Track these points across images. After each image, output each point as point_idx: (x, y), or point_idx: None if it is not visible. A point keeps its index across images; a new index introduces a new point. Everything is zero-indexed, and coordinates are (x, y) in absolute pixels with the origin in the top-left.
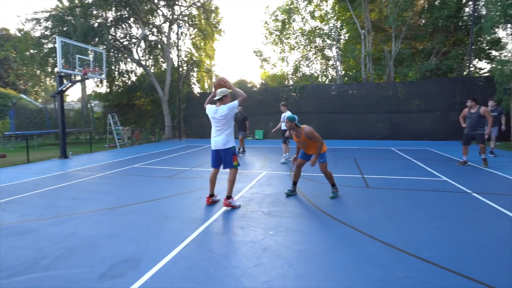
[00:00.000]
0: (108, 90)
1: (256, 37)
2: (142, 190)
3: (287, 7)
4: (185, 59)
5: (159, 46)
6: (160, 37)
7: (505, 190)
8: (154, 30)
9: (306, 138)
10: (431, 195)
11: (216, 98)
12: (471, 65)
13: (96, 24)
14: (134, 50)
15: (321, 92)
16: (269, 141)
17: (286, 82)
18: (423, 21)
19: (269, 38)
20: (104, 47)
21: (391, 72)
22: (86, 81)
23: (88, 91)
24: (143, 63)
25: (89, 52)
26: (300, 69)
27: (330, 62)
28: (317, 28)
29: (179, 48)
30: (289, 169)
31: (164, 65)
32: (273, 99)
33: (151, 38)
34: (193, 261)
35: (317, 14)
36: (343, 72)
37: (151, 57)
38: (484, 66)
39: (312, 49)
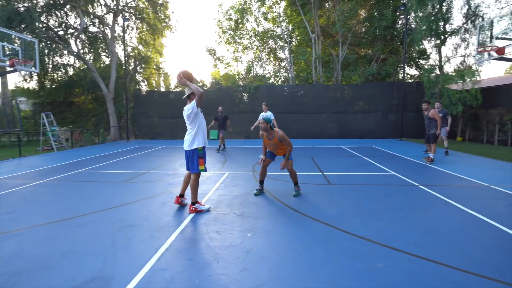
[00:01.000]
0: (39, 85)
1: (209, 36)
2: (95, 198)
3: (240, 7)
4: (132, 54)
5: (102, 38)
6: (102, 29)
7: (445, 182)
8: (96, 20)
9: (278, 141)
10: (386, 188)
11: (184, 96)
12: (405, 72)
13: (22, 9)
14: (72, 42)
15: (274, 92)
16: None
17: (241, 82)
18: (364, 30)
19: (223, 37)
20: (34, 35)
21: (338, 75)
22: (9, 74)
23: (11, 86)
24: (84, 56)
25: (15, 39)
26: (253, 70)
27: (282, 64)
28: (270, 30)
29: (126, 42)
30: (251, 169)
31: (108, 60)
32: (227, 98)
33: (92, 29)
34: (173, 273)
35: (269, 16)
36: (295, 73)
37: (92, 50)
38: (414, 72)
39: (264, 50)
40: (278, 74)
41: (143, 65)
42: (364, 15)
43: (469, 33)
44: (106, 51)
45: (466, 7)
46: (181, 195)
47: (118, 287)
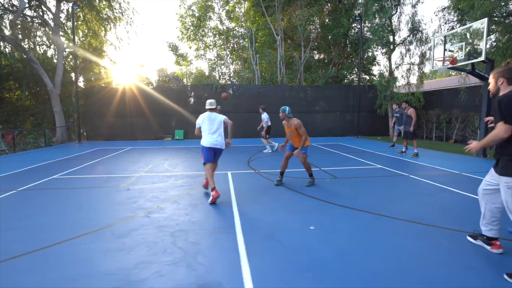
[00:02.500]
0: None
1: (172, 32)
2: (104, 205)
3: (203, 3)
4: (82, 46)
5: (43, 24)
6: (42, 13)
7: (425, 171)
8: (34, 2)
9: (294, 128)
10: (386, 179)
11: (212, 107)
12: (360, 76)
13: None
14: (4, 25)
15: (241, 91)
16: (191, 141)
17: (208, 80)
18: (322, 35)
19: (185, 33)
20: None
21: (301, 76)
22: None
23: None
24: (23, 44)
25: None
26: (218, 69)
27: (246, 64)
28: (233, 29)
29: (74, 31)
30: (246, 167)
31: (50, 51)
32: (194, 97)
33: (28, 13)
34: (275, 268)
35: (232, 15)
36: (260, 74)
37: (32, 37)
38: (365, 76)
39: (227, 49)
40: (241, 73)
41: (97, 59)
42: (326, 21)
43: (412, 44)
44: (48, 40)
45: (410, 22)
46: (214, 187)
47: None
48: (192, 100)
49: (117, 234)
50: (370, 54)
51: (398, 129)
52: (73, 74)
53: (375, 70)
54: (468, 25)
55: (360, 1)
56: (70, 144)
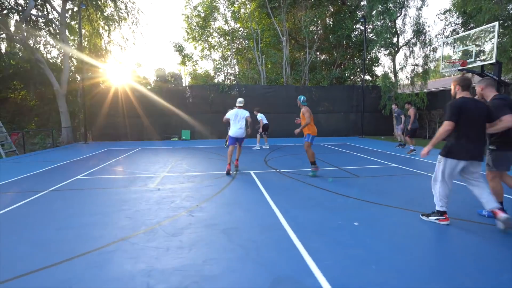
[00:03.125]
0: None
1: (177, 32)
2: (139, 206)
3: (209, 4)
4: (87, 46)
5: (49, 23)
6: (47, 13)
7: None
8: (40, 1)
9: (302, 114)
10: (408, 177)
11: (240, 105)
12: (364, 77)
13: None
14: (12, 25)
15: (248, 92)
16: (198, 141)
17: (213, 81)
18: (325, 36)
19: (191, 34)
20: None
21: (306, 77)
22: None
23: None
24: (33, 45)
25: None
26: (223, 69)
27: (250, 65)
28: (238, 30)
29: (81, 30)
30: (273, 168)
31: (55, 51)
32: (199, 97)
33: (33, 11)
34: (344, 262)
35: (238, 16)
36: (265, 74)
37: (40, 37)
38: (368, 77)
39: (231, 50)
40: (247, 74)
41: (102, 59)
42: (330, 22)
43: (416, 46)
44: (54, 40)
45: (415, 24)
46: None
47: (313, 286)
48: (198, 100)
49: (170, 232)
50: (373, 55)
51: (400, 129)
52: (77, 74)
53: (378, 71)
54: (478, 28)
55: (363, 3)
56: (76, 144)
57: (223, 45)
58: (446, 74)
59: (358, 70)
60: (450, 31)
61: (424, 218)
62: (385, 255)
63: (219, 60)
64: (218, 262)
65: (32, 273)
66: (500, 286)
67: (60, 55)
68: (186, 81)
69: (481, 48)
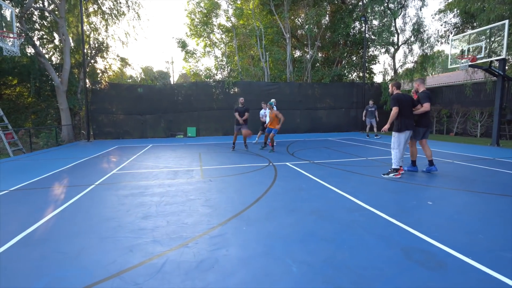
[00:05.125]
0: None
1: (181, 28)
2: (217, 196)
3: (211, 1)
4: (88, 40)
5: (50, 16)
6: (48, 5)
7: (455, 158)
8: None
9: (274, 115)
10: (440, 165)
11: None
12: (364, 74)
13: None
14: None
15: (252, 89)
16: (205, 138)
17: (217, 78)
18: (328, 35)
19: (193, 30)
20: None
21: (309, 74)
22: None
23: None
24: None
25: None
26: (227, 66)
27: (253, 61)
28: (241, 26)
29: (82, 23)
30: (305, 159)
31: (52, 45)
32: (203, 94)
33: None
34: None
35: (240, 12)
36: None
37: (42, 31)
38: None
39: (234, 46)
40: (249, 71)
41: (104, 54)
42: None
43: (415, 44)
44: (53, 33)
45: (414, 24)
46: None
47: (439, 252)
48: (203, 97)
49: (261, 217)
50: (373, 53)
51: (370, 121)
52: (78, 70)
53: (377, 68)
54: (487, 27)
55: (364, 2)
56: (79, 143)
57: (225, 42)
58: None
59: (357, 67)
60: (445, 31)
61: (385, 176)
62: (478, 227)
63: (221, 57)
64: (348, 238)
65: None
66: None
67: (60, 49)
68: (174, 79)
69: (489, 45)
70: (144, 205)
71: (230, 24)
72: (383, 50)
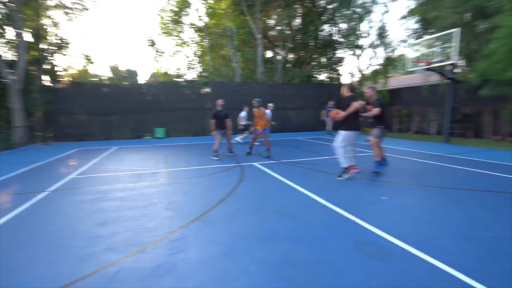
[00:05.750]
0: None
1: (150, 27)
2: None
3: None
4: (47, 35)
5: (5, 10)
6: None
7: (418, 156)
8: None
9: (261, 113)
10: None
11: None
12: (333, 75)
13: None
14: None
15: (224, 89)
16: (174, 139)
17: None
18: (299, 36)
19: (164, 28)
20: None
21: (279, 74)
22: None
23: None
24: None
25: None
26: (197, 65)
27: (225, 61)
28: (212, 26)
29: (39, 17)
30: (274, 159)
31: (4, 40)
32: (173, 94)
33: None
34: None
35: (211, 11)
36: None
37: None
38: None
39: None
40: (220, 71)
41: (64, 51)
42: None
43: (379, 48)
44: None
45: (378, 28)
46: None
47: (388, 245)
48: (173, 97)
49: (224, 218)
50: (341, 55)
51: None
52: (36, 67)
53: (344, 70)
54: (442, 33)
55: (330, 6)
56: (36, 146)
57: (197, 41)
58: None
59: (326, 68)
60: (407, 36)
61: (339, 179)
62: (424, 218)
63: (191, 57)
64: (307, 235)
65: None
66: None
67: (15, 44)
68: (145, 78)
69: (443, 51)
70: (102, 211)
71: (202, 24)
72: (351, 52)
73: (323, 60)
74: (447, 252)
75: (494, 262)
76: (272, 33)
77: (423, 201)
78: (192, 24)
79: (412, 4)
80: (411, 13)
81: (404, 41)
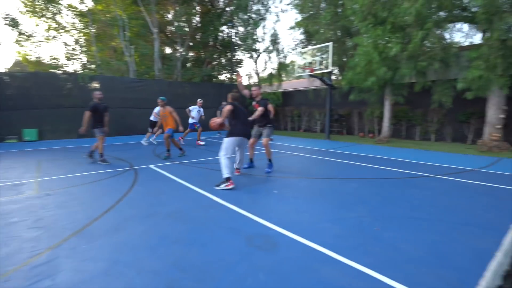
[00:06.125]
0: None
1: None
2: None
3: None
4: None
5: None
6: None
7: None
8: None
9: (168, 112)
10: (285, 156)
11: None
12: (232, 76)
13: None
14: None
15: (115, 85)
16: (49, 142)
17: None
18: (199, 35)
19: (31, 6)
20: None
21: (179, 72)
22: None
23: None
24: None
25: None
26: (81, 56)
27: (116, 54)
28: (100, 12)
29: None
30: (173, 160)
31: None
32: (48, 88)
33: None
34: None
35: None
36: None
37: None
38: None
39: (90, 35)
40: (110, 65)
41: None
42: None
43: (273, 53)
44: None
45: (272, 35)
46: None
47: (276, 234)
48: (48, 92)
49: (111, 226)
50: (239, 57)
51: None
52: None
53: (244, 71)
54: (320, 45)
55: (229, 9)
56: None
57: (79, 28)
58: (302, 77)
59: (225, 69)
60: (296, 44)
61: (216, 188)
62: (306, 207)
63: (73, 45)
64: (200, 236)
65: None
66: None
67: None
68: (4, 65)
69: (322, 60)
70: None
71: (85, 8)
72: (248, 55)
73: (223, 60)
74: (322, 235)
75: (353, 237)
76: (170, 28)
77: (307, 192)
78: (71, 6)
79: (299, 17)
80: (298, 24)
81: (293, 49)
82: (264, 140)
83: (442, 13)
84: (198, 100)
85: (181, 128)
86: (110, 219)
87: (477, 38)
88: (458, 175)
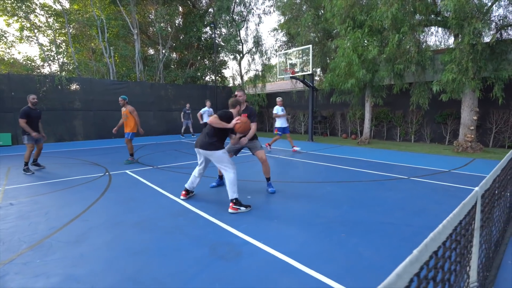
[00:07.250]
0: None
1: None
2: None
3: None
4: None
5: None
6: None
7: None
8: None
9: (128, 112)
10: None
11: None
12: (216, 77)
13: None
14: None
15: (94, 87)
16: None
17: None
18: (182, 36)
19: (1, 5)
20: None
21: (161, 74)
22: None
23: None
24: None
25: None
26: (57, 57)
27: (95, 56)
28: (77, 12)
29: None
30: (149, 165)
31: None
32: (22, 90)
33: None
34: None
35: None
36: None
37: None
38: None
39: (67, 35)
40: (89, 66)
41: None
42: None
43: (256, 54)
44: None
45: (255, 36)
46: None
47: (241, 242)
48: (23, 95)
49: (69, 240)
50: (223, 59)
51: (186, 123)
52: None
53: (227, 73)
54: (301, 47)
55: (213, 10)
56: None
57: (55, 28)
58: (284, 79)
59: (209, 70)
60: (279, 46)
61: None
62: (277, 213)
63: (49, 45)
64: (164, 246)
65: None
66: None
67: None
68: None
69: (303, 62)
70: None
71: (59, 7)
72: (232, 56)
73: (207, 62)
74: (288, 242)
75: (318, 244)
76: (152, 29)
77: (280, 197)
78: (45, 6)
79: (282, 19)
80: (280, 27)
81: (276, 50)
82: (260, 153)
83: (418, 17)
84: (206, 101)
85: (141, 130)
86: (73, 230)
87: (451, 42)
88: (432, 177)
